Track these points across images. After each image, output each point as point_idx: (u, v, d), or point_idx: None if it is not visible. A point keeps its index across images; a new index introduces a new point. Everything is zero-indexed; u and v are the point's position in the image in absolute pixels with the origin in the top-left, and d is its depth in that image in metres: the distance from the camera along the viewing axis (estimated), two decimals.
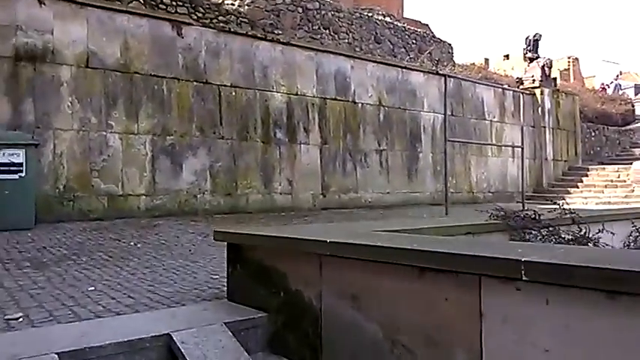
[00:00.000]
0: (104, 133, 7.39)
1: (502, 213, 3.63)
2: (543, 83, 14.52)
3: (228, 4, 11.88)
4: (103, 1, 7.83)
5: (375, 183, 10.54)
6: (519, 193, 13.86)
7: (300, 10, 13.05)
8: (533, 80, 14.70)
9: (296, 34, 12.78)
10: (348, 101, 10.22)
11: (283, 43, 9.43)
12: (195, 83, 8.30)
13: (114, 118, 7.48)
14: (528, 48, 15.22)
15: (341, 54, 10.33)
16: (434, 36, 17.42)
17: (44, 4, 7.06)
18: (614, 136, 18.10)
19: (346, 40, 14.24)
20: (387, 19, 18.47)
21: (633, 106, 21.15)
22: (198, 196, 8.25)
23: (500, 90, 13.43)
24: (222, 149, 8.55)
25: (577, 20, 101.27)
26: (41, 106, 6.92)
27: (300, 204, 9.39)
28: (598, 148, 17.13)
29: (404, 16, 28.88)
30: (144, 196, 7.72)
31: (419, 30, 17.67)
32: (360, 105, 10.39)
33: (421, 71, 11.83)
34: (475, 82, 11.87)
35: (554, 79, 15.48)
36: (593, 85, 41.08)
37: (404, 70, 11.33)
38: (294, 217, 8.29)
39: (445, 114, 9.22)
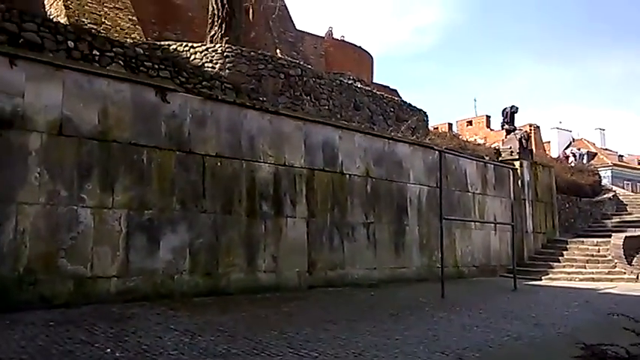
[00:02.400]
0: (74, 207, 6.59)
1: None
2: (522, 155, 14.57)
3: (208, 68, 11.49)
4: (82, 63, 7.24)
5: (362, 258, 9.95)
6: (502, 266, 13.60)
7: (282, 75, 12.77)
8: (511, 152, 14.73)
9: (278, 100, 12.45)
10: (336, 172, 9.76)
11: (272, 112, 8.98)
12: (178, 153, 7.67)
13: (86, 190, 6.72)
14: (505, 120, 15.39)
15: (329, 124, 9.95)
16: (410, 104, 17.48)
17: (15, 65, 6.40)
18: (587, 207, 18.29)
19: (327, 107, 14.00)
20: (359, 84, 18.57)
21: (600, 177, 21.66)
22: (176, 276, 7.43)
23: (482, 162, 13.32)
24: (205, 224, 7.83)
25: (525, 85, 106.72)
26: (4, 178, 6.11)
27: (285, 282, 8.67)
28: (572, 220, 17.19)
29: (373, 81, 29.46)
30: (115, 278, 6.85)
31: (396, 98, 17.74)
32: (347, 176, 9.94)
33: (414, 144, 11.61)
34: (460, 156, 11.68)
35: (531, 150, 15.60)
36: (550, 153, 42.60)
37: (390, 141, 11.03)
38: (282, 301, 7.56)
39: (440, 190, 8.85)
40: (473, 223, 12.75)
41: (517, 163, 14.34)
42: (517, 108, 15.48)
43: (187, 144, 7.79)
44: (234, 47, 11.88)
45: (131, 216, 7.08)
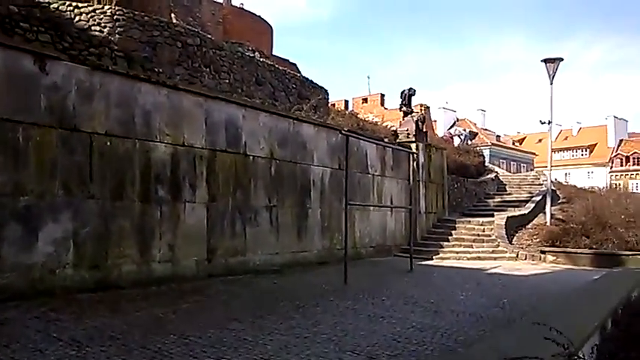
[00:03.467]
0: None
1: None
2: (418, 137, 14.99)
3: (95, 32, 10.32)
4: None
5: (264, 243, 9.65)
6: (396, 246, 14.02)
7: (179, 44, 11.90)
8: (408, 134, 15.09)
9: (174, 71, 11.58)
10: (239, 153, 9.27)
11: (170, 87, 8.23)
12: (60, 130, 6.74)
13: None
14: (403, 102, 15.68)
15: (233, 101, 9.38)
16: (312, 81, 17.25)
17: None
18: (472, 187, 19.44)
19: (227, 81, 13.36)
20: (258, 55, 17.98)
21: (484, 158, 23.12)
22: (58, 270, 6.62)
23: (382, 145, 13.49)
24: (92, 211, 7.02)
25: (412, 61, 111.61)
26: None
27: (182, 272, 8.13)
28: (459, 199, 18.19)
29: (272, 53, 28.78)
30: None
31: (298, 74, 17.40)
32: (251, 158, 9.50)
33: (319, 125, 11.40)
34: (362, 139, 11.68)
35: (426, 133, 16.12)
36: (436, 132, 44.89)
37: (295, 121, 10.71)
38: (179, 295, 7.05)
39: (346, 174, 8.72)
40: (372, 203, 12.94)
41: (413, 146, 14.73)
42: (415, 90, 15.84)
43: (72, 120, 6.87)
44: (125, 10, 10.77)
45: (3, 203, 6.12)
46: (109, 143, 7.25)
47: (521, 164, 59.81)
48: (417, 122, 15.15)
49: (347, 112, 21.82)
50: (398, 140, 14.95)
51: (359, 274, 9.51)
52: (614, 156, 70.11)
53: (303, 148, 10.82)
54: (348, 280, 8.58)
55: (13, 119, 6.27)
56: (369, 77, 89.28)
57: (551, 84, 15.51)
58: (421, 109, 40.12)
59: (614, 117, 71.63)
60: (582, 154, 73.39)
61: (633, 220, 13.82)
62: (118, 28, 10.49)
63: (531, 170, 60.39)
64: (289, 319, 5.96)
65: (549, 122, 16.38)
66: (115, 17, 10.64)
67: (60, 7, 10.41)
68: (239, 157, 9.25)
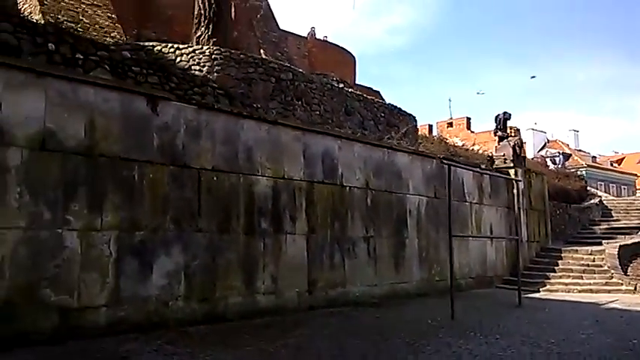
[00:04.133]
0: (59, 230, 5.92)
1: None
2: (516, 163, 14.30)
3: (195, 71, 10.84)
4: (65, 69, 6.55)
5: (362, 275, 9.47)
6: (498, 277, 13.30)
7: (272, 79, 12.19)
8: (505, 160, 14.45)
9: (269, 105, 11.88)
10: (336, 184, 9.24)
11: (269, 122, 8.40)
12: (171, 167, 7.03)
13: (72, 211, 6.04)
14: (498, 127, 15.10)
15: (328, 134, 9.42)
16: (400, 109, 17.08)
17: None
18: (575, 213, 18.20)
19: (318, 112, 13.49)
20: (343, 86, 18.10)
21: (586, 182, 21.65)
22: (170, 303, 6.81)
23: (479, 172, 12.98)
24: (200, 244, 7.21)
25: (496, 87, 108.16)
26: None
27: (284, 304, 8.11)
28: (562, 227, 17.06)
29: (356, 82, 29.01)
30: (104, 308, 6.20)
31: (386, 103, 17.31)
32: (347, 188, 9.43)
33: (413, 153, 11.21)
34: (458, 166, 11.28)
35: (524, 157, 15.36)
36: (526, 154, 42.90)
37: (389, 150, 10.56)
38: (284, 329, 7.00)
39: (449, 205, 8.40)
40: (470, 233, 12.39)
41: (512, 171, 14.06)
42: (510, 115, 15.22)
43: (182, 157, 7.16)
44: (222, 49, 11.25)
45: (121, 238, 6.43)
46: (215, 178, 7.47)
47: (621, 186, 55.57)
48: (514, 147, 14.49)
49: (435, 138, 21.37)
50: (494, 166, 14.34)
51: (463, 308, 9.02)
52: None
53: (399, 177, 10.62)
54: (454, 315, 8.16)
55: (130, 158, 6.61)
56: (450, 100, 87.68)
57: None
58: (511, 132, 38.65)
59: None
60: None
61: None
62: (217, 67, 10.95)
63: (634, 193, 56.01)
64: (401, 359, 5.70)
65: None
66: (213, 57, 11.12)
67: (163, 50, 11.07)
68: (336, 188, 9.22)
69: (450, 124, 39.54)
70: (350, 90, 15.61)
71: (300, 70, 14.43)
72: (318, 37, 29.15)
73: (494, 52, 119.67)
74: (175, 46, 11.31)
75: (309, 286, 8.54)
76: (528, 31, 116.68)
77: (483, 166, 13.55)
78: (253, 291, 7.76)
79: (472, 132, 37.55)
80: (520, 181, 13.44)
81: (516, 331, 7.48)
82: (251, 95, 11.32)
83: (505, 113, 15.16)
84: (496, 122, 15.20)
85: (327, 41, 29.16)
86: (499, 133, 15.02)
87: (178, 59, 11.10)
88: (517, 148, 14.58)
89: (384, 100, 21.55)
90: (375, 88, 28.85)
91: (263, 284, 7.88)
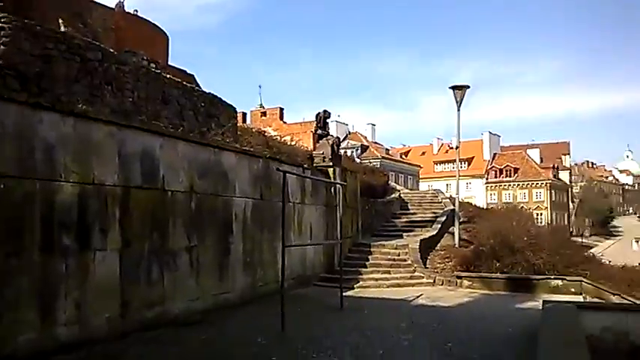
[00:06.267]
0: None
1: None
2: (334, 161, 14.62)
3: None
4: None
5: (184, 289, 8.57)
6: (315, 274, 13.49)
7: (77, 58, 10.32)
8: (324, 158, 14.67)
9: (72, 89, 10.07)
10: (157, 189, 8.16)
11: (77, 115, 6.97)
12: None
13: None
14: (319, 125, 15.28)
15: (148, 130, 8.25)
16: (221, 99, 16.23)
17: None
18: (381, 208, 19.54)
19: (131, 99, 11.93)
20: (153, 65, 16.63)
21: (388, 177, 23.46)
22: None
23: (300, 169, 12.91)
24: None
25: (305, 77, 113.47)
26: None
27: (91, 335, 6.83)
28: (370, 221, 18.12)
29: (169, 63, 27.06)
30: None
31: (207, 92, 16.29)
32: (169, 193, 8.41)
33: (241, 152, 10.54)
34: (294, 173, 11.02)
35: (341, 156, 15.83)
36: None
37: (216, 149, 9.77)
38: None
39: (283, 214, 8.01)
40: (292, 233, 12.29)
41: (331, 170, 14.35)
42: (330, 113, 15.52)
43: None
44: (12, 17, 9.09)
45: None
46: (2, 186, 5.86)
47: (408, 176, 62.66)
48: (332, 145, 14.78)
49: (254, 130, 20.91)
50: (314, 164, 14.46)
51: (290, 315, 8.76)
52: (490, 168, 76.20)
53: (225, 178, 9.91)
54: (284, 326, 7.81)
55: None
56: (260, 87, 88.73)
57: (459, 109, 15.99)
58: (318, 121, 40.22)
59: (489, 132, 77.89)
60: (461, 167, 79.00)
61: (535, 241, 14.57)
62: (4, 39, 8.82)
63: (417, 182, 63.64)
64: None
65: (457, 147, 16.89)
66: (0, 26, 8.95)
67: None
68: (156, 194, 8.14)
69: (264, 114, 39.67)
70: (168, 76, 14.24)
71: (111, 49, 12.63)
72: (127, 10, 26.38)
73: (305, 42, 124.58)
74: None
75: (122, 309, 7.38)
76: (339, 23, 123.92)
77: (305, 165, 13.53)
78: (52, 323, 6.36)
79: (285, 123, 38.22)
80: (339, 183, 13.74)
81: (345, 342, 7.45)
82: (50, 77, 9.41)
83: (325, 112, 15.40)
84: (316, 120, 15.36)
85: (137, 15, 26.56)
86: (319, 131, 15.21)
87: None
88: (335, 146, 14.92)
89: (199, 85, 20.35)
90: (189, 72, 27.30)
91: (65, 314, 6.52)
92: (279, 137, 26.73)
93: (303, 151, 16.73)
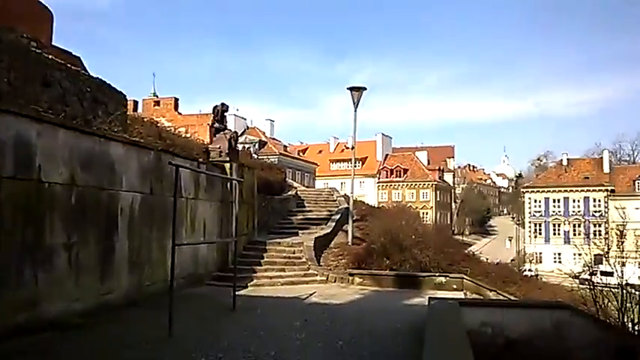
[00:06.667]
0: None
1: None
2: (232, 156, 14.31)
3: None
4: None
5: (61, 290, 7.87)
6: (208, 272, 13.12)
7: None
8: (221, 153, 14.31)
9: None
10: (32, 180, 7.39)
11: None
12: None
13: None
14: (216, 118, 14.86)
15: (24, 115, 7.44)
16: (110, 85, 15.20)
17: None
18: (277, 205, 19.47)
19: (7, 80, 10.80)
20: (34, 44, 15.29)
21: (285, 174, 23.47)
22: None
23: (195, 163, 12.46)
24: None
25: (207, 67, 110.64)
26: None
27: None
28: (266, 219, 18.00)
29: (52, 43, 24.92)
30: None
31: (94, 77, 15.17)
32: (47, 185, 7.66)
33: (130, 144, 9.88)
34: (189, 168, 10.57)
35: (238, 151, 15.52)
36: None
37: (102, 139, 9.09)
38: None
39: (175, 212, 7.61)
40: (184, 230, 11.82)
41: (227, 165, 14.02)
42: (228, 106, 15.13)
43: None
44: None
45: None
46: None
47: (305, 174, 63.51)
48: (229, 140, 14.45)
49: (145, 120, 19.85)
50: (210, 158, 14.04)
51: (180, 317, 8.40)
52: (382, 169, 79.41)
53: (111, 170, 9.25)
54: (172, 330, 7.45)
55: None
56: (154, 75, 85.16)
57: (356, 110, 16.39)
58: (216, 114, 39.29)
59: (382, 134, 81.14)
60: (356, 166, 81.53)
61: (422, 239, 15.34)
62: None
63: (314, 180, 64.58)
64: None
65: (353, 147, 17.28)
66: None
67: None
68: (32, 185, 7.37)
69: (157, 103, 37.98)
70: (50, 56, 13.05)
71: None
72: None
73: (208, 31, 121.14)
74: None
75: None
76: (246, 15, 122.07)
77: (201, 160, 13.08)
78: None
79: (180, 114, 36.89)
80: (236, 179, 13.45)
81: (237, 344, 7.27)
82: None
83: (223, 105, 15.00)
84: (213, 113, 14.92)
85: None
86: (216, 124, 14.79)
87: None
88: (233, 141, 14.60)
89: (85, 68, 18.98)
90: (75, 53, 25.36)
91: None
92: (173, 128, 25.74)
93: (198, 144, 16.20)
